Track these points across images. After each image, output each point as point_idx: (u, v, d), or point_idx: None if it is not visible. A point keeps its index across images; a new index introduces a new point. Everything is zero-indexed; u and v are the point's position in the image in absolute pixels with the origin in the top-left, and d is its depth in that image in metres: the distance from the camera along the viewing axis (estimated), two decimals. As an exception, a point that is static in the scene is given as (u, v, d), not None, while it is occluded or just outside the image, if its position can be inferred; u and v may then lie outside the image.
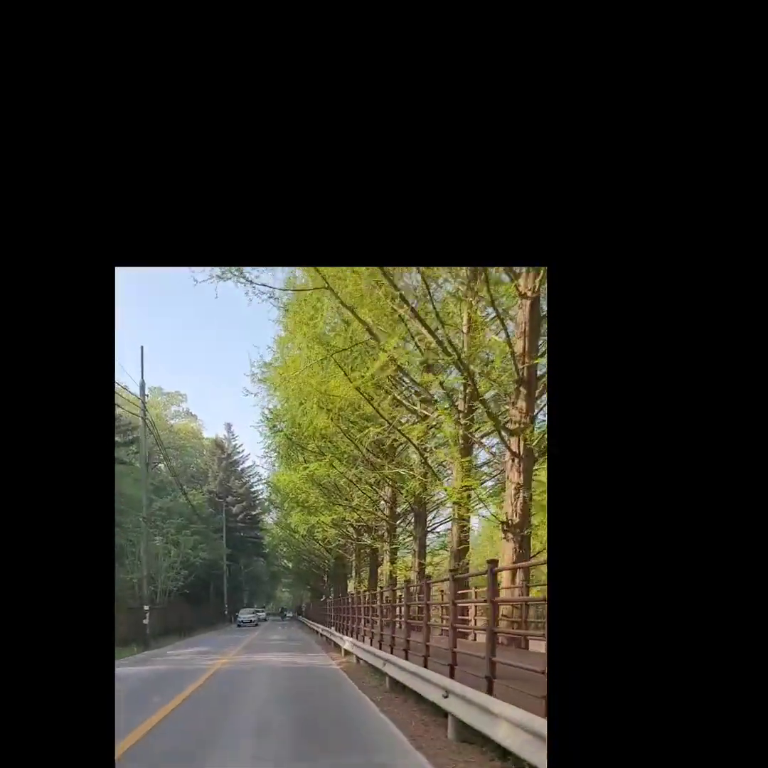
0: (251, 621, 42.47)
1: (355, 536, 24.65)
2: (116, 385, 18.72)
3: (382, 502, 19.71)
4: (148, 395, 25.47)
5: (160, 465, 40.07)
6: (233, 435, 61.38)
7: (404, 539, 21.06)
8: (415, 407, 14.28)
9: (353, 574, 29.85)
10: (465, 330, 12.30)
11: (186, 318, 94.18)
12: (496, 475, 16.19)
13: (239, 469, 60.52)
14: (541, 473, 10.67)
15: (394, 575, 19.40)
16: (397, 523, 20.60)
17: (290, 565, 59.92)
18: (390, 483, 17.85)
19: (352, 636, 15.41)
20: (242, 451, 62.41)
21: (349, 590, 29.83)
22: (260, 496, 59.63)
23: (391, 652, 9.70)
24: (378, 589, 14.22)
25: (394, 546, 20.16)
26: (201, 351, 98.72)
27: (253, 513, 60.62)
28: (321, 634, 25.26)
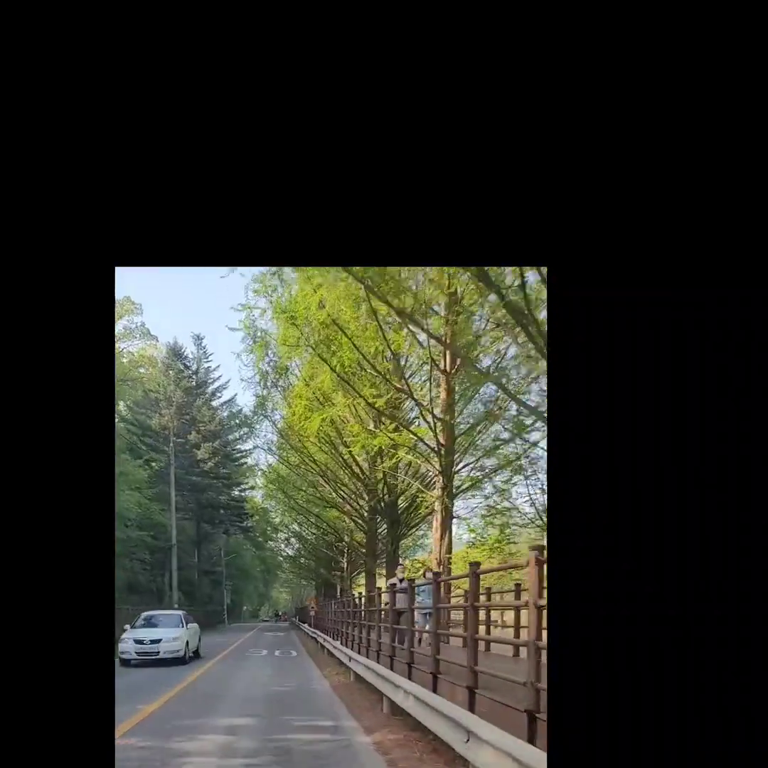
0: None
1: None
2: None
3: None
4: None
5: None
6: (205, 352, 43.81)
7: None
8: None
9: (438, 532, 12.62)
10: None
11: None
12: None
13: (211, 397, 42.81)
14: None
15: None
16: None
17: (289, 550, 38.41)
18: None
19: None
20: (219, 375, 44.17)
21: (393, 578, 10.74)
22: (239, 425, 40.86)
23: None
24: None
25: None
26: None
27: (231, 467, 41.28)
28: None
